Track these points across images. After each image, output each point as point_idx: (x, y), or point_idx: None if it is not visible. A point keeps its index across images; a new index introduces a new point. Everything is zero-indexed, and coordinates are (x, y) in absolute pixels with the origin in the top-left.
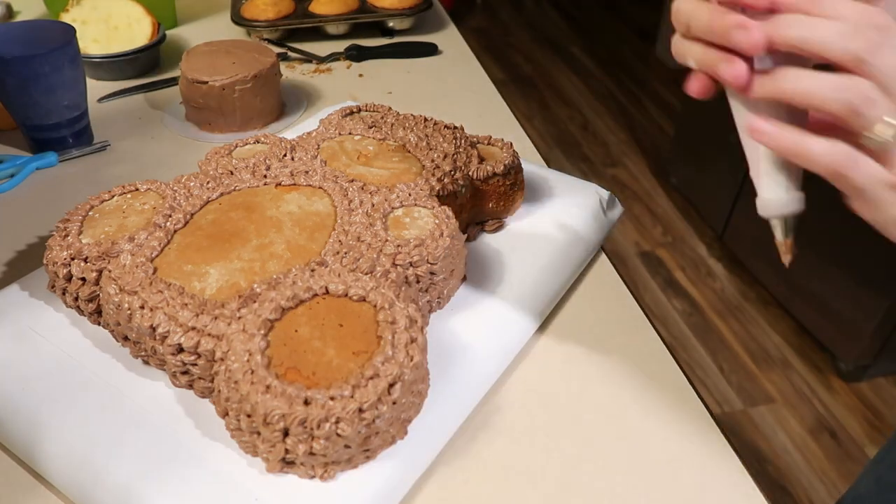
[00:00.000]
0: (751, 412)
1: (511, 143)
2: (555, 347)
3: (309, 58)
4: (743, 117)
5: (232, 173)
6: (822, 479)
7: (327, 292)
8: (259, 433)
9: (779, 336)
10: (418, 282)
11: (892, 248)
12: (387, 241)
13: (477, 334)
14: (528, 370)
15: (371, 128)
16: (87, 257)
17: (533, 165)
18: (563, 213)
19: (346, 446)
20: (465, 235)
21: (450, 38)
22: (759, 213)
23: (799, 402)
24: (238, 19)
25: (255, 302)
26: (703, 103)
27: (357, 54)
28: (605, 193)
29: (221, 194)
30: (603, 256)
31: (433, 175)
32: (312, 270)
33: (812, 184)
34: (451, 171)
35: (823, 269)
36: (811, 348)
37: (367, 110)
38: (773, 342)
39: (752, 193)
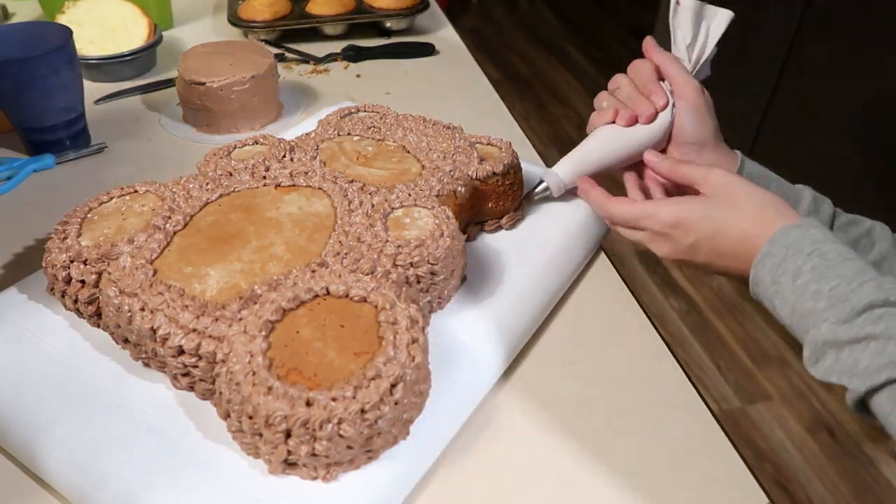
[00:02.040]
0: (748, 410)
1: (510, 143)
2: (555, 346)
3: (306, 58)
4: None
5: (231, 175)
6: (819, 477)
7: (328, 293)
8: (261, 435)
9: (776, 334)
10: (419, 282)
11: None
12: (387, 241)
13: (477, 334)
14: (528, 369)
15: (370, 128)
16: (86, 260)
17: (531, 165)
18: (562, 212)
19: (349, 447)
20: (465, 235)
21: (447, 39)
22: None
23: (796, 399)
24: (235, 20)
25: (255, 303)
26: None
27: (354, 55)
28: None
29: (221, 196)
30: (602, 255)
31: (432, 175)
32: (313, 271)
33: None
34: (450, 171)
35: None
36: None
37: (365, 111)
38: (770, 340)
39: None
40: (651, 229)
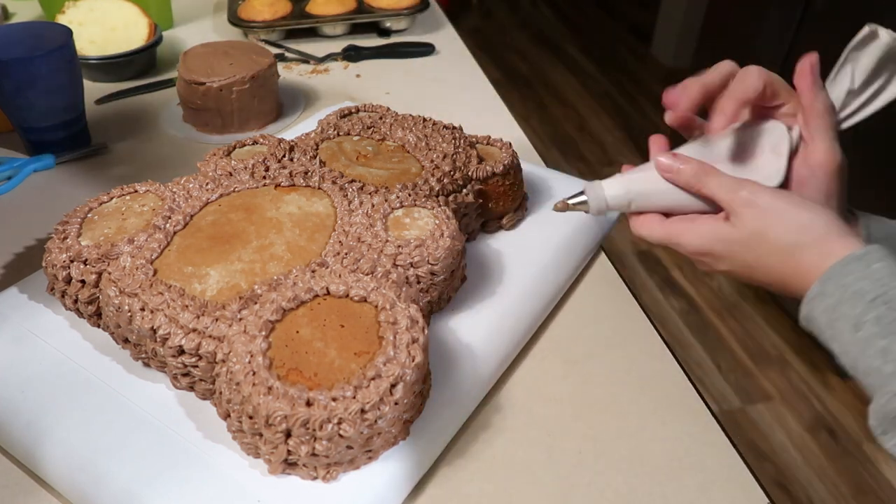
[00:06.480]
0: (749, 410)
1: (510, 144)
2: (555, 347)
3: (306, 58)
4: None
5: (231, 174)
6: (820, 477)
7: (328, 293)
8: (261, 435)
9: (776, 334)
10: (419, 282)
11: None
12: (387, 241)
13: (477, 334)
14: (528, 370)
15: (370, 128)
16: (86, 259)
17: (532, 165)
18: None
19: (349, 447)
20: (465, 236)
21: (447, 38)
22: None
23: (797, 399)
24: (235, 20)
25: (255, 303)
26: None
27: (354, 55)
28: None
29: (221, 196)
30: (602, 255)
31: (433, 175)
32: (313, 271)
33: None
34: (450, 171)
35: None
36: (809, 346)
37: (365, 111)
38: (770, 340)
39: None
40: (682, 253)
